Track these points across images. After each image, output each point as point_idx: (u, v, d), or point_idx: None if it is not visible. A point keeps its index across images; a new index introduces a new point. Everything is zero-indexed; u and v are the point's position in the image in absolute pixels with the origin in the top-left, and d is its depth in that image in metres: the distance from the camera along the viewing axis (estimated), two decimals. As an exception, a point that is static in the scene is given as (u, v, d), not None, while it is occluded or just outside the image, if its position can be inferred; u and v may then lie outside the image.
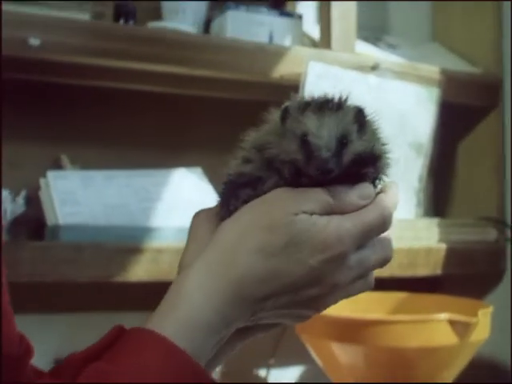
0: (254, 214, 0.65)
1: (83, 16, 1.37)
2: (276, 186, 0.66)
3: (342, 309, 1.55)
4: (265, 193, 0.66)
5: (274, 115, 0.69)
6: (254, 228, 0.64)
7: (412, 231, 1.62)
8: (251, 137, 0.70)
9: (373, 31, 1.88)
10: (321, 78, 1.53)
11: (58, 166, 1.57)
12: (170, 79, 1.57)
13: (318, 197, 0.64)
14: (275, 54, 1.52)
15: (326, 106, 0.65)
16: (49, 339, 1.57)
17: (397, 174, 1.63)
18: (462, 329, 1.32)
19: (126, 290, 1.47)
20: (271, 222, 0.64)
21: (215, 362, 0.70)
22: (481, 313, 1.34)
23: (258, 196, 0.66)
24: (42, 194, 1.46)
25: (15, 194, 1.49)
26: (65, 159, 1.56)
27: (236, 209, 0.67)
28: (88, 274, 1.32)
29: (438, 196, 1.88)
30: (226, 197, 0.69)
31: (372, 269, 0.68)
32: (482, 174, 1.81)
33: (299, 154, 0.64)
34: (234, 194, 0.68)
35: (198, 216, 0.72)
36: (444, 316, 1.30)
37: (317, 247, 0.63)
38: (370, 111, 0.70)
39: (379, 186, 0.69)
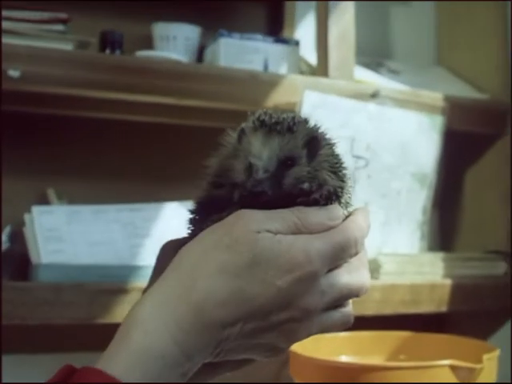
0: (214, 235, 0.61)
1: (66, 46, 1.31)
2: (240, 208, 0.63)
3: (341, 348, 1.49)
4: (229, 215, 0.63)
5: (231, 138, 0.68)
6: (214, 248, 0.60)
7: (415, 266, 1.55)
8: (213, 162, 0.69)
9: (374, 56, 1.82)
10: (317, 108, 1.47)
11: (44, 200, 1.51)
12: (159, 109, 1.51)
13: (282, 216, 0.61)
14: (269, 82, 1.46)
15: (275, 128, 0.64)
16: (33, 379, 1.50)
17: (399, 206, 1.57)
18: (466, 375, 1.23)
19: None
20: (232, 240, 0.60)
21: None
22: (486, 357, 1.26)
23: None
24: (27, 231, 1.40)
25: (-1, 229, 1.44)
26: (51, 194, 1.51)
27: None
28: (68, 315, 1.26)
29: (444, 228, 1.80)
30: (193, 223, 0.67)
31: (347, 296, 0.63)
32: (489, 205, 1.74)
33: (244, 176, 0.63)
34: (202, 219, 0.66)
35: (165, 246, 0.68)
36: (447, 362, 1.22)
37: (283, 266, 0.59)
38: (330, 138, 0.69)
39: (347, 210, 0.67)
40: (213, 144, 0.70)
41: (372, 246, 1.54)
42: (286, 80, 1.47)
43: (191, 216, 0.69)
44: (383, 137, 1.55)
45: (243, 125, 0.67)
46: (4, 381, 1.37)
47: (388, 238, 1.57)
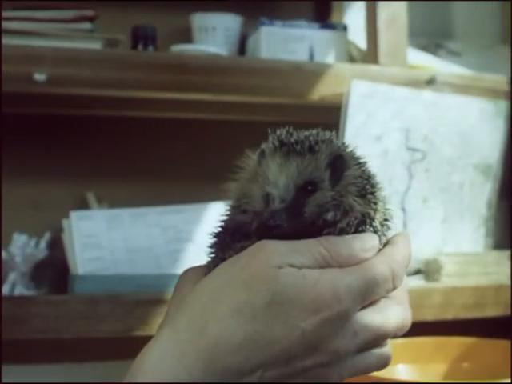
0: (230, 270, 0.55)
1: (94, 45, 1.25)
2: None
3: (399, 356, 1.39)
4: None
5: (251, 159, 0.63)
6: (229, 286, 0.54)
7: (479, 266, 1.43)
8: (234, 187, 0.63)
9: (432, 37, 1.70)
10: (366, 98, 1.36)
11: (84, 204, 1.47)
12: (198, 105, 1.44)
13: (308, 247, 0.55)
14: (314, 73, 1.36)
15: (295, 149, 0.58)
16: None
17: (461, 201, 1.45)
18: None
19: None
20: (249, 276, 0.53)
21: None
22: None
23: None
24: (65, 237, 1.36)
25: (38, 236, 1.41)
26: (91, 197, 1.46)
27: None
28: (104, 328, 1.21)
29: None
30: (214, 251, 0.61)
31: (383, 337, 0.57)
32: None
33: (261, 205, 0.57)
34: (225, 245, 0.60)
35: (185, 275, 0.62)
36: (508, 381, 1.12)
37: (308, 306, 0.53)
38: (359, 156, 0.61)
39: (385, 238, 0.60)
40: (253, 139, 0.64)
41: (432, 245, 1.44)
42: (332, 69, 1.37)
43: (213, 240, 0.62)
44: (441, 126, 1.43)
45: (263, 145, 0.61)
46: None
47: (449, 236, 1.45)
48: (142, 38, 1.33)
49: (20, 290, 1.34)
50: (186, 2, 1.54)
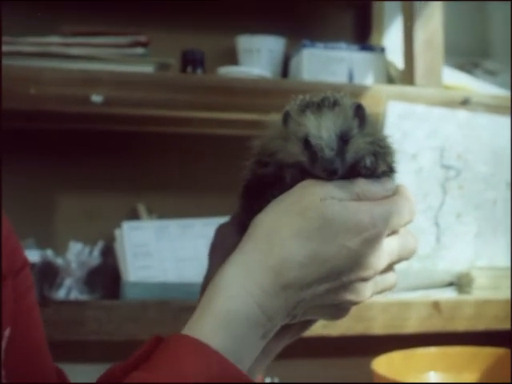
0: (284, 204, 0.64)
1: (147, 69, 1.34)
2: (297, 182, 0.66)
3: (431, 364, 1.45)
4: (290, 187, 0.65)
5: (275, 119, 0.70)
6: (286, 215, 0.63)
7: (510, 280, 1.48)
8: (257, 144, 0.71)
9: (470, 56, 1.74)
10: (402, 118, 1.43)
11: (135, 215, 1.56)
12: (244, 123, 1.52)
13: (346, 185, 0.64)
14: (352, 94, 1.41)
15: (323, 105, 0.65)
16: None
17: (494, 217, 1.50)
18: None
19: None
20: (303, 207, 0.63)
21: (262, 361, 0.68)
22: None
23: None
24: (117, 246, 1.45)
25: (92, 245, 1.50)
26: (142, 209, 1.55)
27: (261, 209, 0.66)
28: (153, 332, 1.29)
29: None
30: (247, 201, 0.69)
31: (402, 258, 0.67)
32: None
33: (303, 156, 0.64)
34: (258, 196, 0.67)
35: (221, 229, 0.72)
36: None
37: (352, 229, 0.62)
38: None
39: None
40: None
41: (464, 259, 1.49)
42: (370, 91, 1.44)
43: (241, 201, 0.70)
44: (475, 145, 1.49)
45: (287, 107, 0.68)
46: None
47: (481, 251, 1.50)
48: (190, 61, 1.42)
49: (75, 295, 1.43)
50: (232, 24, 1.62)
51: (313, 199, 0.63)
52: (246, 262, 0.63)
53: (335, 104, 0.65)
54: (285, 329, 0.68)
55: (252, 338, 0.62)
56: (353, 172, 0.65)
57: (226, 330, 0.60)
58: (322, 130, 0.64)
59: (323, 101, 0.66)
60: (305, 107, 0.66)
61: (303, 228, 0.62)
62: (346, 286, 0.63)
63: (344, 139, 0.64)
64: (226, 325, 0.60)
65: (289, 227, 0.62)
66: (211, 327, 0.60)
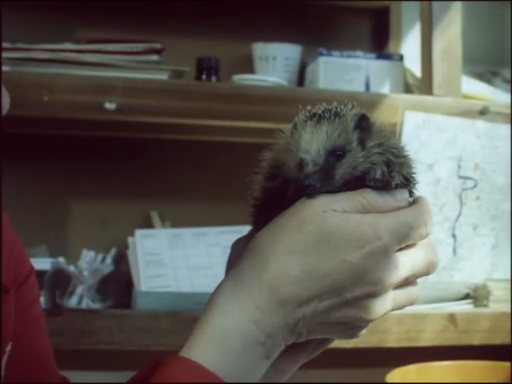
0: (282, 219, 0.63)
1: (161, 76, 1.33)
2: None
3: (448, 378, 1.43)
4: (294, 202, 0.63)
5: (286, 130, 0.68)
6: (282, 231, 0.62)
7: (529, 293, 1.45)
8: (268, 156, 0.69)
9: (489, 65, 1.72)
10: (420, 128, 1.41)
11: (148, 223, 1.55)
12: (258, 131, 1.50)
13: (348, 196, 0.62)
14: (369, 103, 1.41)
15: (324, 116, 0.63)
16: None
17: (512, 228, 1.47)
18: None
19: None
20: (300, 221, 0.61)
21: (278, 380, 0.67)
22: None
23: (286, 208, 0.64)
24: (130, 254, 1.45)
25: (105, 252, 1.49)
26: (155, 216, 1.54)
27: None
28: (165, 342, 1.28)
29: None
30: (256, 217, 0.68)
31: (421, 273, 0.64)
32: None
33: (296, 172, 0.63)
34: (266, 211, 0.66)
35: (237, 244, 0.70)
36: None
37: (352, 242, 0.60)
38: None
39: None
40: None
41: (481, 270, 1.47)
42: (386, 100, 1.42)
43: (253, 215, 0.69)
44: (493, 155, 1.46)
45: (296, 119, 0.66)
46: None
47: (499, 263, 1.48)
48: (205, 68, 1.41)
49: (87, 302, 1.42)
50: (247, 31, 1.61)
51: (311, 212, 0.61)
52: (242, 277, 0.61)
53: (336, 116, 0.63)
54: (299, 347, 0.66)
55: (251, 357, 0.60)
56: (362, 185, 0.62)
57: (221, 348, 0.59)
58: (313, 144, 0.62)
59: (324, 112, 0.64)
60: (308, 119, 0.64)
61: (299, 242, 0.60)
62: (352, 303, 0.61)
63: (338, 153, 0.62)
64: (219, 343, 0.59)
65: (284, 242, 0.61)
66: (206, 345, 0.59)
